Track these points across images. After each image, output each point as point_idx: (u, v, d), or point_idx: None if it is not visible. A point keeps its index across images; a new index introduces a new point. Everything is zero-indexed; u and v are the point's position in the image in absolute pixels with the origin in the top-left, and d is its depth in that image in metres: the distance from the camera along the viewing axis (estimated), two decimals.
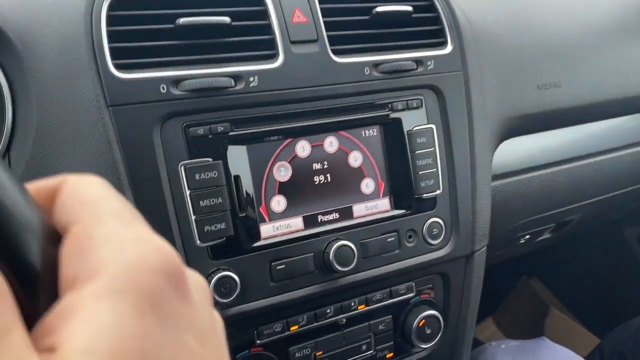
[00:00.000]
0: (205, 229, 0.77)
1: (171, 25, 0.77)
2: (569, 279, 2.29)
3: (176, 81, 0.75)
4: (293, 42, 0.84)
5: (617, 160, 1.30)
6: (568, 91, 1.14)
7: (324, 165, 0.88)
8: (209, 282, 0.76)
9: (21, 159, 0.72)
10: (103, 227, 0.26)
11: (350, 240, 0.86)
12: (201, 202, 0.77)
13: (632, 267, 2.01)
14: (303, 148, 0.86)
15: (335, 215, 0.89)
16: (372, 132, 0.92)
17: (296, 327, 0.87)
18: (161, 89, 0.74)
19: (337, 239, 0.87)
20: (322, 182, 0.88)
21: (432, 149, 0.95)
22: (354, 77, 0.88)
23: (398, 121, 0.93)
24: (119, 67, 0.73)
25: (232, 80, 0.79)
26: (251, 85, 0.80)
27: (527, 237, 1.34)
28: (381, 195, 0.92)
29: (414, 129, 0.93)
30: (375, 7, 0.91)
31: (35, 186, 0.29)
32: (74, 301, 0.23)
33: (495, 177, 1.13)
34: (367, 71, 0.89)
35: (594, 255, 2.17)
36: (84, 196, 0.28)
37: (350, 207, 0.90)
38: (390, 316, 0.96)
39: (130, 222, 0.28)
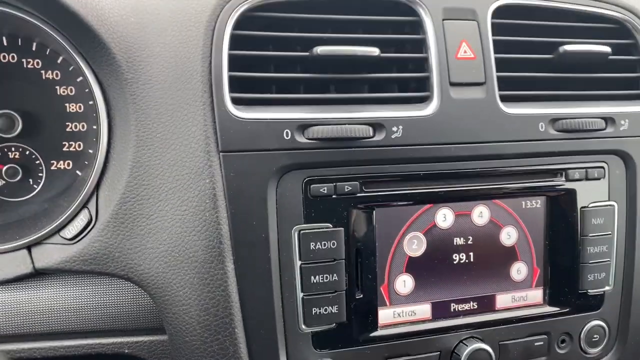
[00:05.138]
0: (313, 312, 0.62)
1: (305, 54, 0.61)
2: None
3: (304, 126, 0.60)
4: (453, 84, 0.65)
5: None
6: None
7: (467, 240, 0.69)
8: None
9: (111, 200, 0.60)
10: None
11: (488, 341, 0.68)
12: (312, 277, 0.62)
13: None
14: (444, 217, 0.68)
15: (473, 305, 0.70)
16: (535, 204, 0.71)
17: None
18: (284, 135, 0.59)
19: (472, 337, 0.69)
20: (462, 261, 0.69)
21: (609, 234, 0.73)
22: (525, 134, 0.68)
23: (571, 193, 0.72)
24: (236, 102, 0.59)
25: (371, 129, 0.62)
26: (393, 136, 0.63)
27: None
28: (534, 285, 0.72)
29: (590, 205, 0.72)
30: (561, 44, 0.70)
31: None
32: None
33: None
34: (541, 127, 0.69)
35: None
36: None
37: (493, 296, 0.71)
38: None
39: None
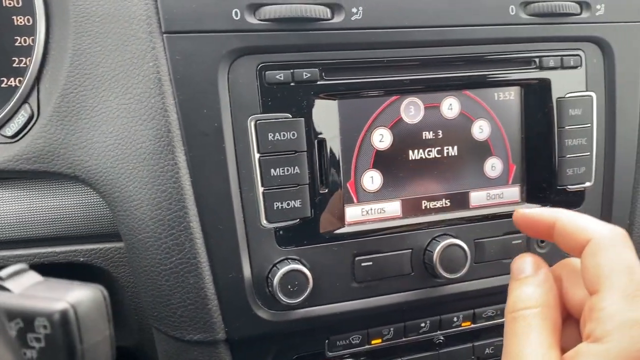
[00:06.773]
0: (275, 206, 0.59)
1: None
2: None
3: (254, 5, 0.56)
4: None
5: None
6: None
7: (437, 134, 0.66)
8: (274, 275, 0.58)
9: (52, 93, 0.57)
10: (613, 303, 0.42)
11: (462, 238, 0.65)
12: (272, 170, 0.58)
13: None
14: (412, 109, 0.65)
15: (445, 203, 0.67)
16: (509, 95, 0.68)
17: (379, 340, 0.68)
18: (234, 15, 0.55)
19: (445, 234, 0.66)
20: (432, 157, 0.66)
21: (587, 126, 0.70)
22: (494, 17, 0.64)
23: (546, 83, 0.68)
24: None
25: (329, 11, 0.58)
26: (353, 18, 0.59)
27: None
28: (510, 181, 0.69)
29: (567, 96, 0.69)
30: None
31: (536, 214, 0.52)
32: (585, 350, 0.42)
33: None
34: (512, 10, 0.65)
35: None
36: (601, 267, 0.44)
37: (467, 193, 0.68)
38: (502, 338, 0.74)
39: (634, 300, 0.42)
